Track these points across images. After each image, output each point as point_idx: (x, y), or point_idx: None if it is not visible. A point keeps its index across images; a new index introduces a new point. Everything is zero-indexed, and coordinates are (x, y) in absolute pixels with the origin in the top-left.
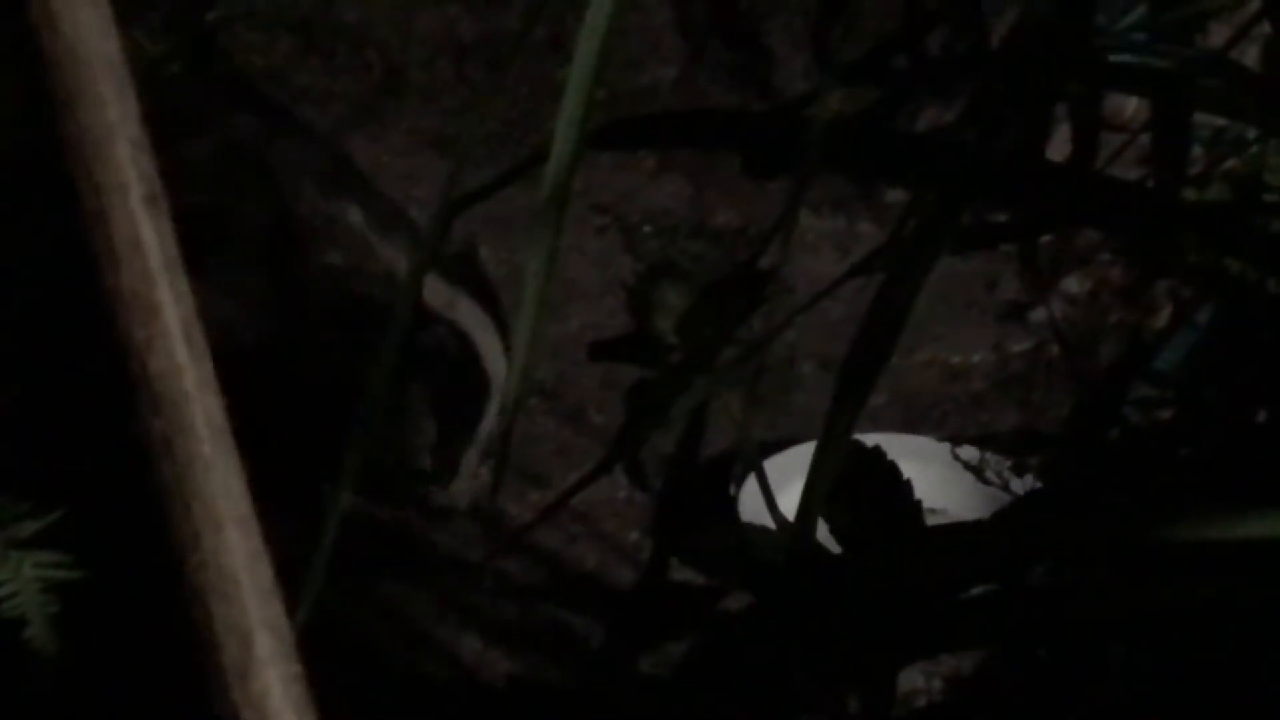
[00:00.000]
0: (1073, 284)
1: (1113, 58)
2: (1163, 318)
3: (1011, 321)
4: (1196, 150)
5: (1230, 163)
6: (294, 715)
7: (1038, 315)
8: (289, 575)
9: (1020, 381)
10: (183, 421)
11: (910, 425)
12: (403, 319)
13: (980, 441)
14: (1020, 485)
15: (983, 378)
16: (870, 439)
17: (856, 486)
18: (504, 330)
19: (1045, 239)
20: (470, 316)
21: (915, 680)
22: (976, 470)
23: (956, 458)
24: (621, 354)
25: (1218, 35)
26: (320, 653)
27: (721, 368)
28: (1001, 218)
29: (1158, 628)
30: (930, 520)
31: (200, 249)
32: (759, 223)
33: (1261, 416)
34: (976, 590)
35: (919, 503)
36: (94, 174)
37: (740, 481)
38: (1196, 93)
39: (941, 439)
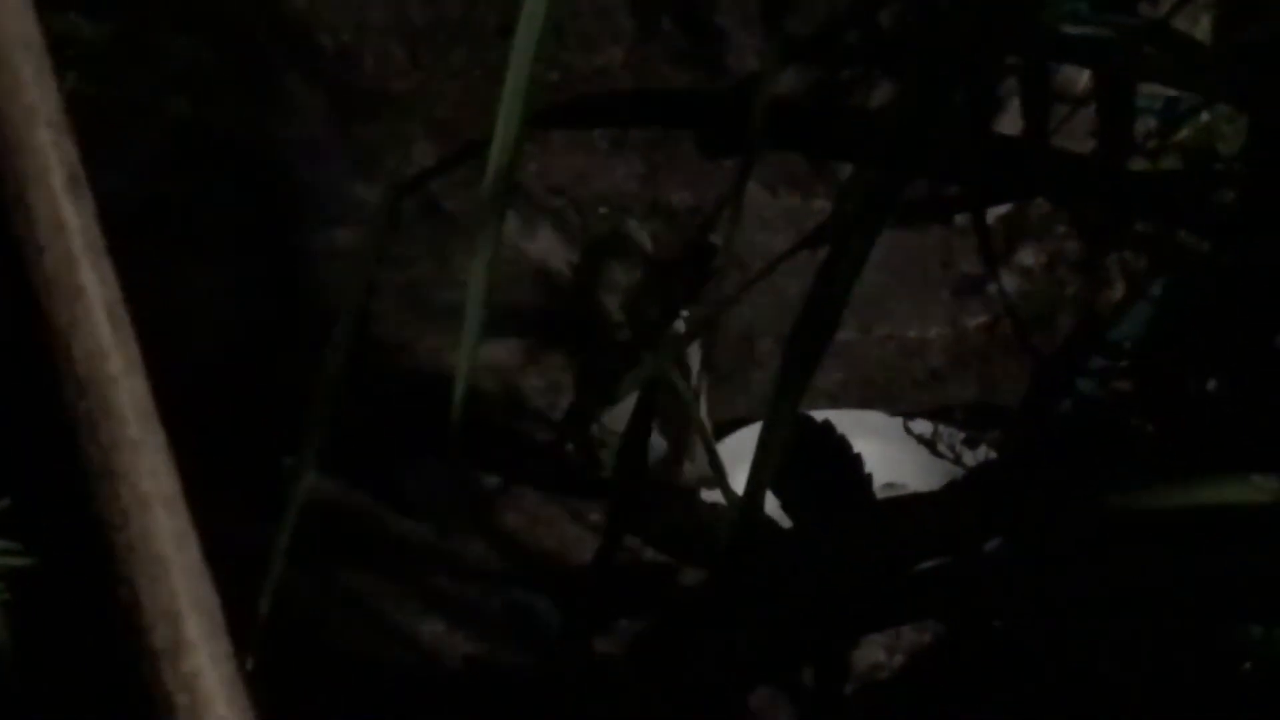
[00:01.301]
0: (1028, 257)
1: (1058, 29)
2: (1119, 289)
3: (968, 296)
4: (1152, 122)
5: (1184, 133)
6: (226, 695)
7: (994, 289)
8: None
9: (977, 355)
10: (108, 404)
11: (868, 402)
12: (354, 302)
13: (936, 415)
14: (973, 458)
15: (940, 352)
16: (824, 415)
17: (806, 461)
18: None
19: (1000, 213)
20: None
21: (877, 655)
22: (929, 444)
23: (909, 432)
24: (571, 332)
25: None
26: (282, 637)
27: (669, 344)
28: (953, 192)
29: (1113, 597)
30: (888, 495)
31: (173, 237)
32: (713, 201)
33: (1212, 385)
34: (930, 564)
35: (869, 476)
36: (13, 158)
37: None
38: (1140, 62)
39: (899, 414)
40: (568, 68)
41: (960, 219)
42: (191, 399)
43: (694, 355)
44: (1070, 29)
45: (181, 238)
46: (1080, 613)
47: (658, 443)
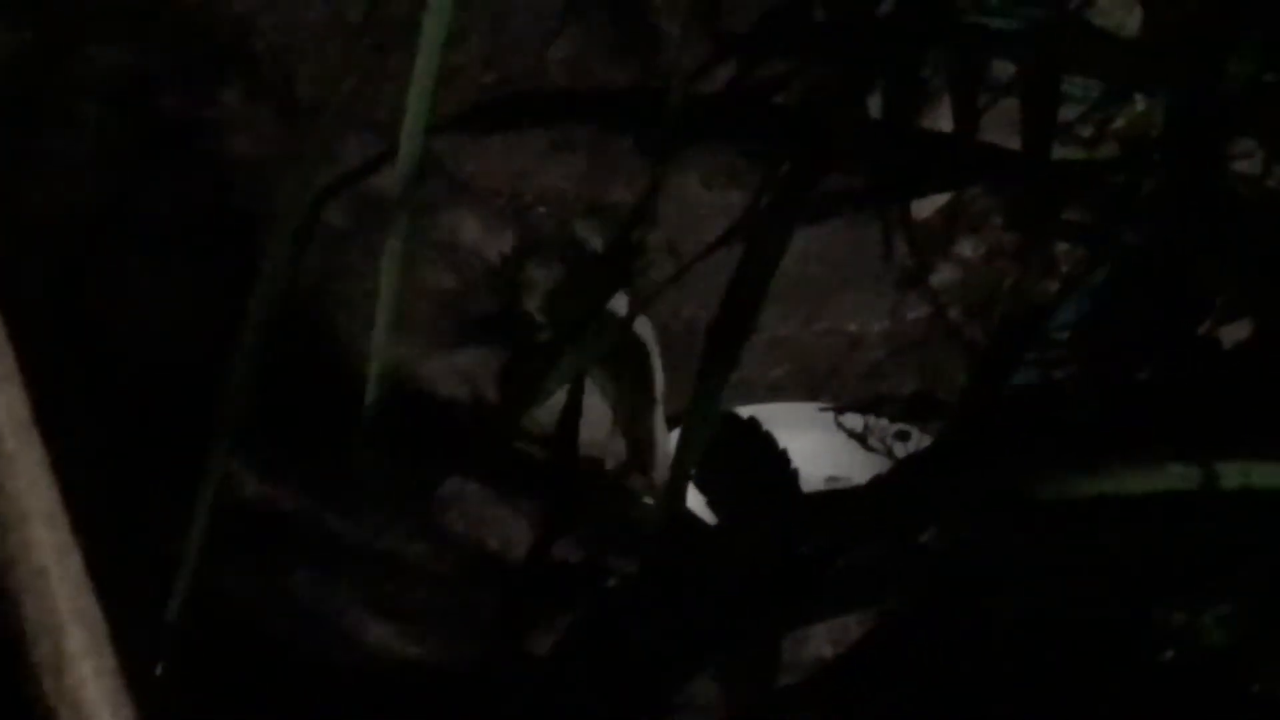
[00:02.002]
0: (967, 249)
1: (984, 21)
2: (1059, 279)
3: (909, 288)
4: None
5: (1120, 121)
6: (109, 708)
7: (936, 281)
8: None
9: (918, 348)
10: None
11: (811, 395)
12: (258, 315)
13: (873, 407)
14: (904, 451)
15: (881, 345)
16: (756, 408)
17: (730, 456)
18: None
19: (938, 205)
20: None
21: (822, 649)
22: (861, 438)
23: (840, 426)
24: (492, 334)
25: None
26: (228, 641)
27: (592, 343)
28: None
29: (1040, 586)
30: (831, 488)
31: (117, 243)
32: (653, 199)
33: (1144, 374)
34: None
35: (795, 471)
36: None
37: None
38: (1060, 54)
39: (841, 408)
40: (505, 68)
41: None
42: (141, 402)
43: (655, 357)
44: (992, 21)
45: (126, 244)
46: (1008, 601)
47: (618, 446)
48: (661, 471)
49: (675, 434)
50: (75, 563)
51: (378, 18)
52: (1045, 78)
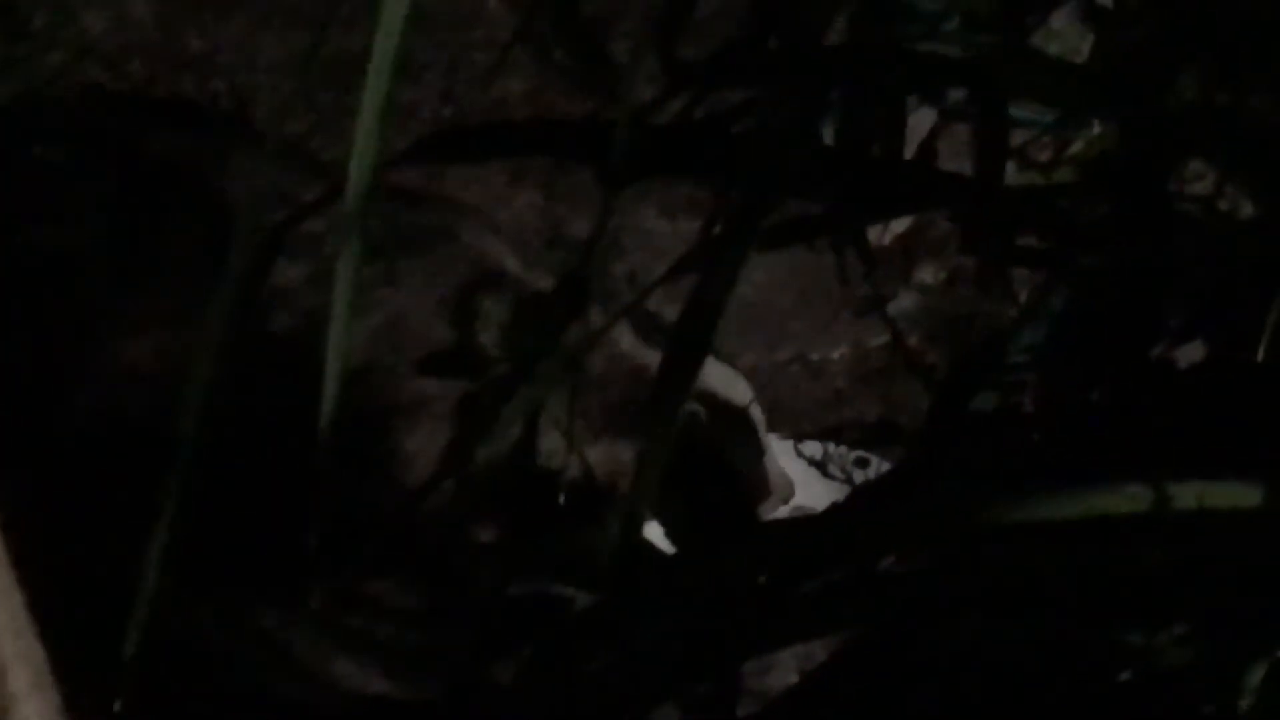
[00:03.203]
0: (927, 274)
1: (936, 49)
2: (1018, 303)
3: (870, 316)
4: (1046, 137)
5: (1076, 146)
6: None
7: (896, 307)
8: None
9: (881, 375)
10: None
11: (773, 424)
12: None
13: (832, 435)
14: (863, 478)
15: (844, 373)
16: None
17: (686, 487)
18: None
19: (898, 231)
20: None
21: (789, 677)
22: (820, 465)
23: (800, 454)
24: (446, 369)
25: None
26: (187, 679)
27: (546, 375)
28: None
29: (1000, 609)
30: (790, 515)
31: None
32: (612, 230)
33: (1101, 397)
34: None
35: (752, 500)
36: None
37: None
38: (1009, 80)
39: (800, 435)
40: (463, 102)
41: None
42: (96, 441)
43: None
44: (943, 48)
45: (87, 285)
46: (969, 624)
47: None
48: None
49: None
50: (17, 605)
51: (333, 55)
52: (995, 105)
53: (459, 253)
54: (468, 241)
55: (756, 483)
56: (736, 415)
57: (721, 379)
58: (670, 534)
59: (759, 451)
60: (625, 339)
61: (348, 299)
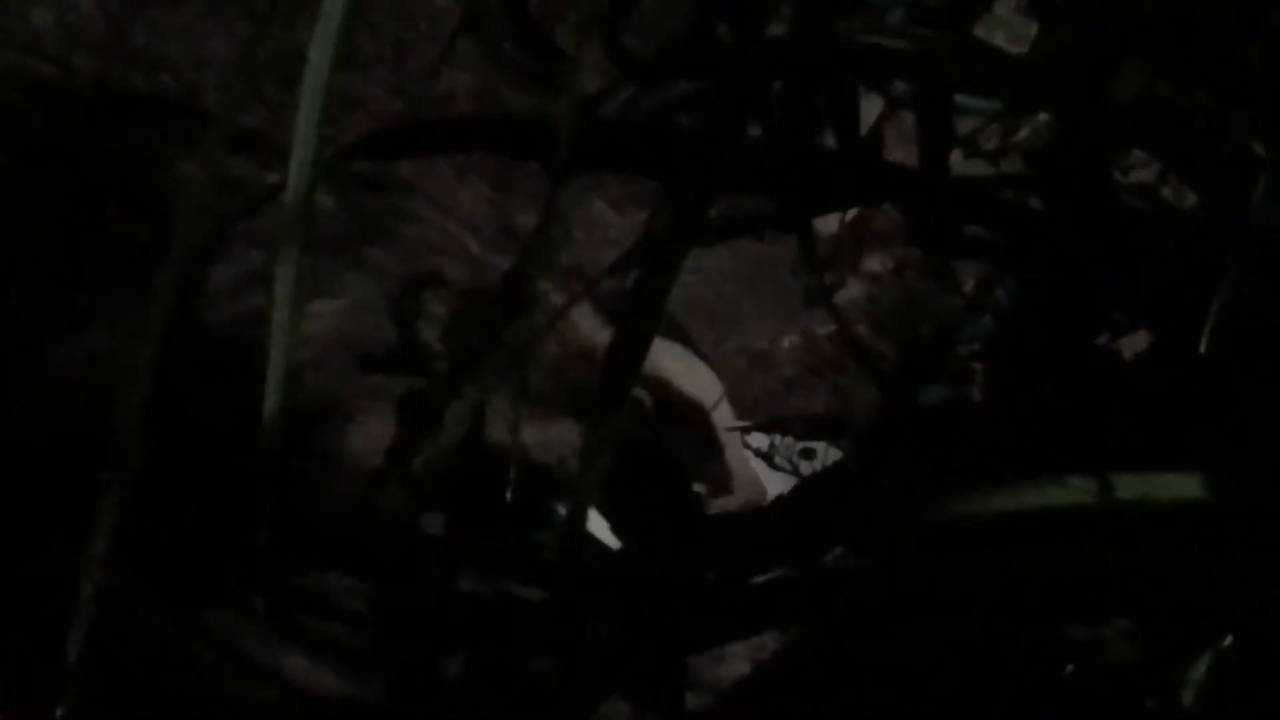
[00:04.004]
0: (876, 263)
1: (878, 41)
2: (967, 292)
3: (819, 305)
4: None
5: (1024, 133)
6: None
7: (844, 297)
8: None
9: (830, 364)
10: None
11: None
12: (152, 347)
13: (779, 426)
14: (809, 469)
15: (793, 363)
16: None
17: (632, 482)
18: None
19: (847, 219)
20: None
21: (740, 668)
22: (767, 456)
23: (746, 445)
24: (389, 366)
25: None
26: (135, 679)
27: (491, 372)
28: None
29: (944, 602)
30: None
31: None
32: (561, 222)
33: (1047, 388)
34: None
35: (699, 495)
36: None
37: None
38: (950, 73)
39: (747, 427)
40: (412, 95)
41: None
42: (41, 440)
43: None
44: (885, 41)
45: (36, 289)
46: (914, 618)
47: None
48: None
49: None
50: None
51: (282, 48)
52: (938, 98)
53: (419, 236)
54: (428, 221)
55: (716, 481)
56: (696, 411)
57: (687, 375)
58: (615, 529)
59: (717, 449)
60: (585, 321)
61: (290, 295)
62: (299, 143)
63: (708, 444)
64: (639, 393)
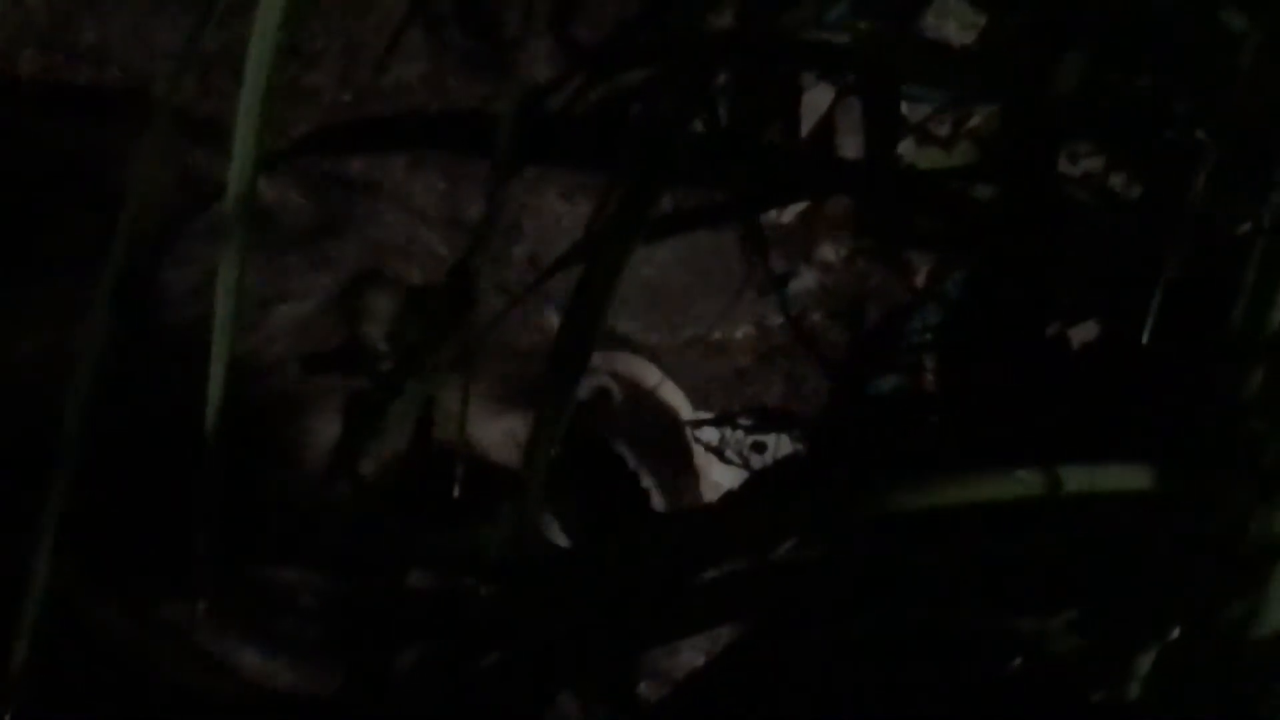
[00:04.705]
0: (829, 252)
1: (823, 36)
2: (921, 278)
3: (772, 294)
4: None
5: (975, 120)
6: None
7: (797, 286)
8: None
9: (783, 353)
10: None
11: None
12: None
13: (728, 420)
14: (760, 462)
15: (746, 352)
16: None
17: (580, 478)
18: None
19: (799, 209)
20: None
21: (696, 660)
22: (717, 450)
23: (697, 440)
24: (334, 365)
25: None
26: (89, 673)
27: (439, 368)
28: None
29: (894, 595)
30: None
31: None
32: (512, 213)
33: (996, 377)
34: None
35: (647, 490)
36: None
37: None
38: (894, 64)
39: (697, 421)
40: (361, 86)
41: (764, 219)
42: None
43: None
44: (830, 35)
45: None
46: (863, 609)
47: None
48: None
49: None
50: None
51: (231, 41)
52: (884, 89)
53: (383, 235)
54: (392, 222)
55: (682, 491)
56: (670, 418)
57: (663, 386)
58: (564, 526)
59: (689, 461)
60: (553, 316)
61: (233, 289)
62: (240, 137)
63: (681, 454)
64: (608, 383)
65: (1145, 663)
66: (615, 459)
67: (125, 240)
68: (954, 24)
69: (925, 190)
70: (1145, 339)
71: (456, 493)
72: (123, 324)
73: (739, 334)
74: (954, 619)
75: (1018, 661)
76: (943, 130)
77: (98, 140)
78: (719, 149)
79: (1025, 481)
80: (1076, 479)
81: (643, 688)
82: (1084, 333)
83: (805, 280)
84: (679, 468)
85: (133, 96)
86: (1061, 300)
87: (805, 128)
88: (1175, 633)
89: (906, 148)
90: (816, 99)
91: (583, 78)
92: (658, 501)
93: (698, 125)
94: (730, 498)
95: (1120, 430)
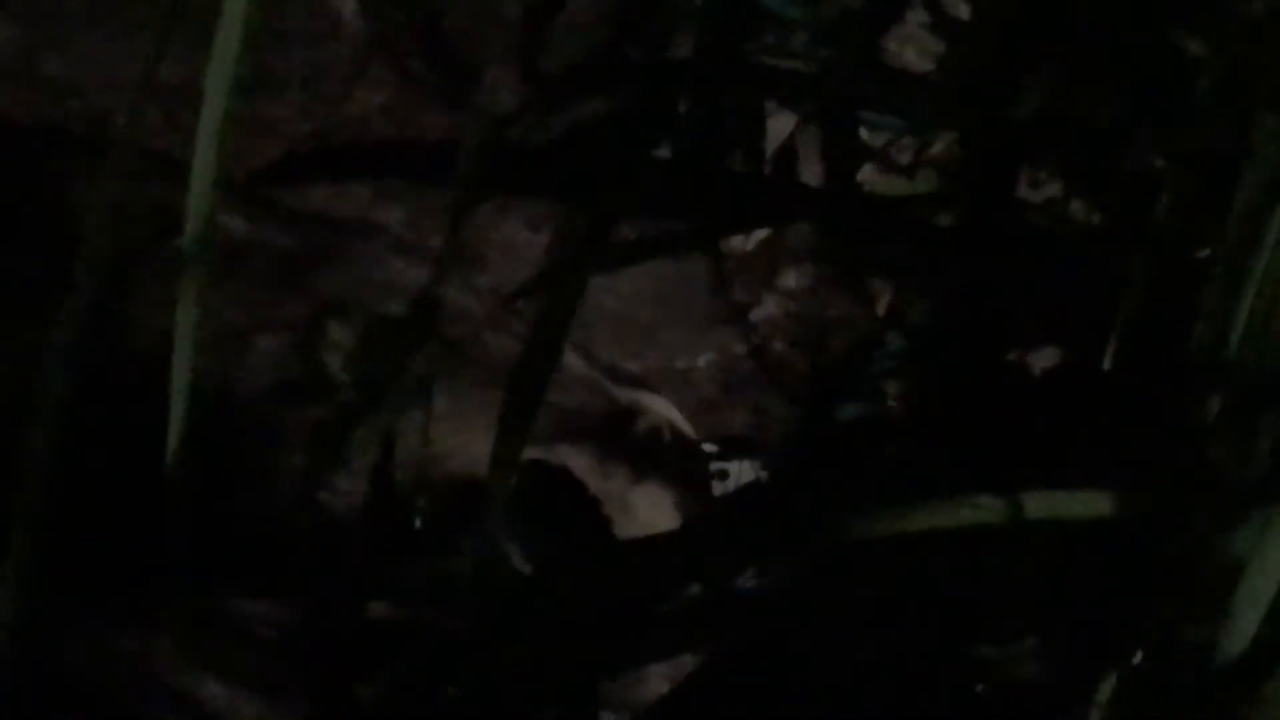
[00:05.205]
0: (791, 280)
1: (781, 64)
2: (883, 306)
3: (735, 323)
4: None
5: (937, 148)
6: None
7: (760, 314)
8: None
9: (747, 382)
10: None
11: None
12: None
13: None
14: (722, 489)
15: (709, 381)
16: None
17: (540, 507)
18: None
19: (761, 237)
20: None
21: (661, 687)
22: None
23: None
24: (294, 397)
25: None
26: (54, 707)
27: (399, 398)
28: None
29: (855, 622)
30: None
31: None
32: (474, 244)
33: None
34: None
35: (607, 518)
36: None
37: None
38: (857, 95)
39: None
40: (324, 118)
41: (727, 247)
42: None
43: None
44: (789, 64)
45: None
46: (827, 637)
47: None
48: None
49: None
50: None
51: (192, 74)
52: (843, 117)
53: (344, 261)
54: (354, 251)
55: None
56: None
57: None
58: (526, 554)
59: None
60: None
61: (192, 322)
62: (198, 168)
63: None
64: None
65: (1107, 688)
66: (574, 485)
67: (85, 273)
68: (913, 51)
69: (886, 217)
70: (1107, 365)
71: (418, 524)
72: (84, 358)
73: (701, 363)
74: (916, 645)
75: (980, 688)
76: (904, 158)
77: (58, 173)
78: (681, 177)
79: (987, 508)
80: (1038, 505)
81: (608, 717)
82: (1044, 359)
83: (768, 309)
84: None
85: (94, 129)
86: (1022, 326)
87: (766, 156)
88: (1137, 657)
89: (868, 175)
90: (778, 127)
91: (545, 107)
92: (621, 528)
93: (661, 153)
94: (692, 525)
95: (1081, 456)
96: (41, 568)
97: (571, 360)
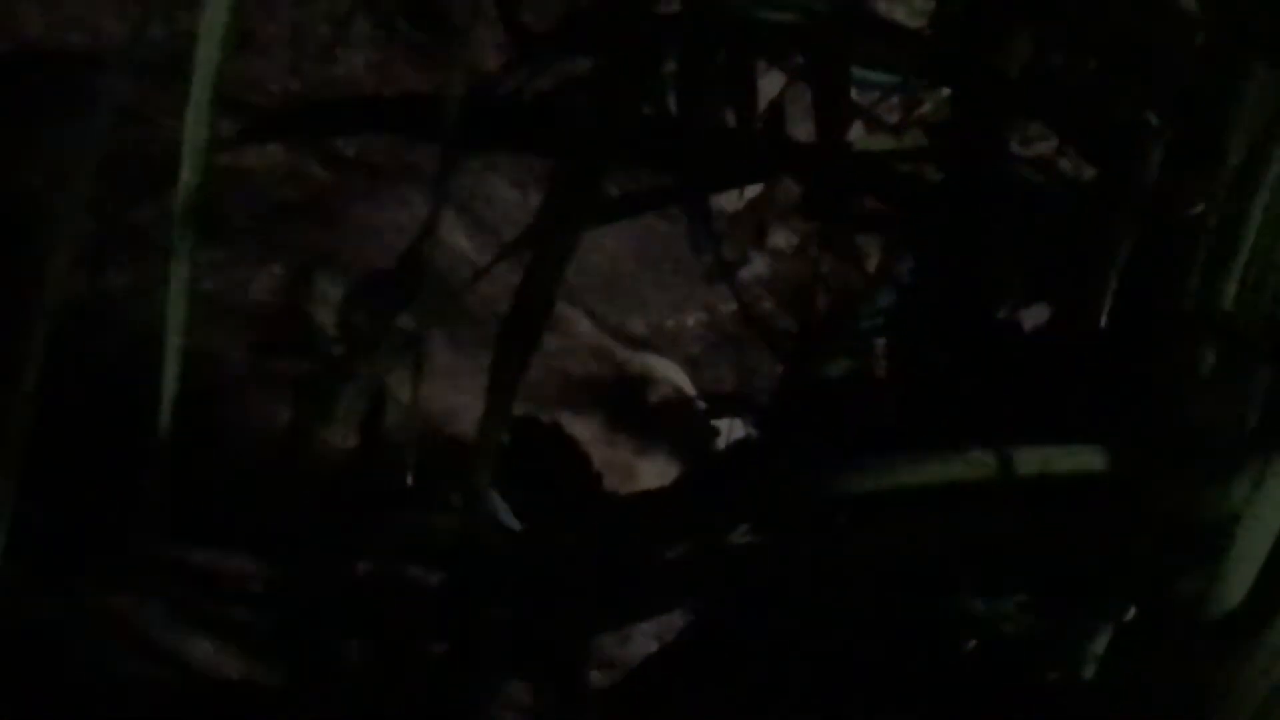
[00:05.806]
0: (780, 239)
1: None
2: (873, 264)
3: (723, 281)
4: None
5: (926, 106)
6: None
7: (749, 273)
8: None
9: (735, 341)
10: None
11: None
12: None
13: None
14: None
15: (697, 340)
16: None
17: (530, 462)
18: None
19: (750, 196)
20: None
21: (649, 645)
22: None
23: None
24: (284, 351)
25: None
26: (42, 667)
27: (387, 354)
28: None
29: (847, 577)
30: None
31: None
32: (462, 202)
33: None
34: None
35: (599, 474)
36: None
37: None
38: (845, 47)
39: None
40: (309, 77)
41: (715, 204)
42: None
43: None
44: (776, 15)
45: None
46: (816, 593)
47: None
48: None
49: None
50: None
51: (181, 33)
52: (834, 72)
53: (328, 218)
54: (338, 206)
55: None
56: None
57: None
58: (516, 509)
59: None
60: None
61: (185, 278)
62: (191, 126)
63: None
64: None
65: (1101, 643)
66: (565, 440)
67: (66, 232)
68: (903, 9)
69: (875, 172)
70: (1103, 323)
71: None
72: (66, 315)
73: (690, 321)
74: (907, 601)
75: (972, 643)
76: (893, 117)
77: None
78: (668, 133)
79: (978, 463)
80: (1029, 461)
81: (595, 676)
82: (1035, 315)
83: (756, 267)
84: None
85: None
86: (1013, 283)
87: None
88: (1130, 613)
89: (856, 134)
90: (767, 86)
91: (531, 64)
92: (611, 485)
93: (648, 111)
94: (681, 482)
95: (1073, 412)
96: (22, 526)
97: (579, 323)
